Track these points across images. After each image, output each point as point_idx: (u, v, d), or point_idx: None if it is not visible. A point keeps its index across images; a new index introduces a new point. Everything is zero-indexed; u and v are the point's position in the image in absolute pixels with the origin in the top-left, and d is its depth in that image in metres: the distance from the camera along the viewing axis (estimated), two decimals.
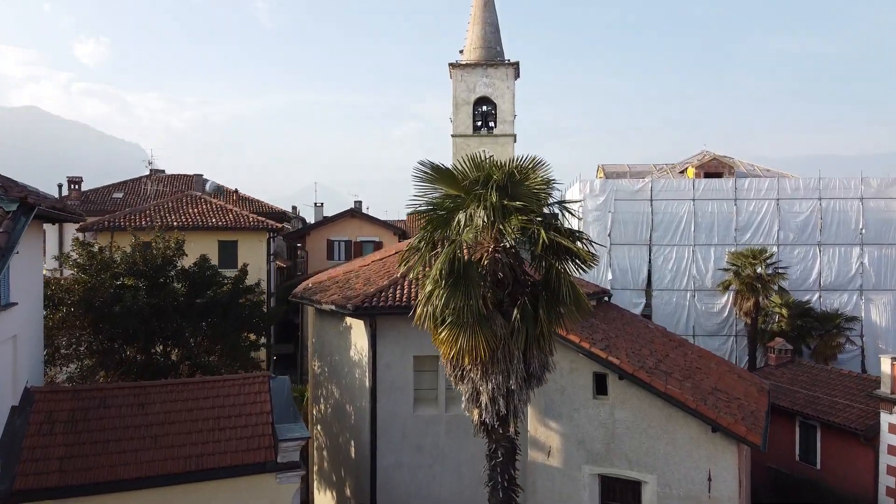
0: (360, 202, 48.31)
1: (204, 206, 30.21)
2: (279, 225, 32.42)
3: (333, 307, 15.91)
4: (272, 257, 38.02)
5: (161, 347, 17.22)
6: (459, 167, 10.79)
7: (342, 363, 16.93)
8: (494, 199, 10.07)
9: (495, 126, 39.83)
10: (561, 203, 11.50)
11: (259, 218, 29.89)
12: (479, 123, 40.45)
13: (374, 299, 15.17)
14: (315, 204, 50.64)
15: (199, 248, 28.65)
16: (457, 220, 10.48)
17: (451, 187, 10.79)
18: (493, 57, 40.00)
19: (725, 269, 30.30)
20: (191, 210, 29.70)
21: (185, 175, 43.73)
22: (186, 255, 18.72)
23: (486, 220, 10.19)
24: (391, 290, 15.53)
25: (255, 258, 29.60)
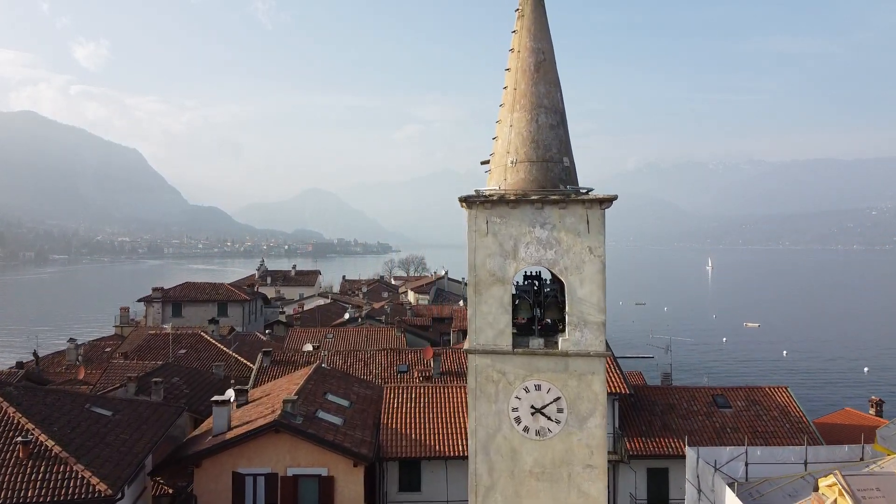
0: (291, 406, 25.83)
1: None
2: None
3: None
4: None
5: None
6: None
7: None
8: None
9: (562, 327, 17.27)
10: None
11: None
12: (524, 318, 17.87)
13: None
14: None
15: None
16: None
17: None
18: (554, 179, 16.33)
19: None
20: None
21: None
22: None
23: None
24: None
25: None
